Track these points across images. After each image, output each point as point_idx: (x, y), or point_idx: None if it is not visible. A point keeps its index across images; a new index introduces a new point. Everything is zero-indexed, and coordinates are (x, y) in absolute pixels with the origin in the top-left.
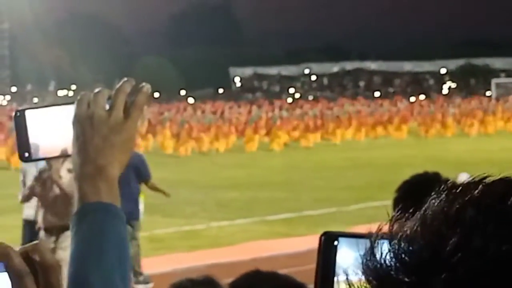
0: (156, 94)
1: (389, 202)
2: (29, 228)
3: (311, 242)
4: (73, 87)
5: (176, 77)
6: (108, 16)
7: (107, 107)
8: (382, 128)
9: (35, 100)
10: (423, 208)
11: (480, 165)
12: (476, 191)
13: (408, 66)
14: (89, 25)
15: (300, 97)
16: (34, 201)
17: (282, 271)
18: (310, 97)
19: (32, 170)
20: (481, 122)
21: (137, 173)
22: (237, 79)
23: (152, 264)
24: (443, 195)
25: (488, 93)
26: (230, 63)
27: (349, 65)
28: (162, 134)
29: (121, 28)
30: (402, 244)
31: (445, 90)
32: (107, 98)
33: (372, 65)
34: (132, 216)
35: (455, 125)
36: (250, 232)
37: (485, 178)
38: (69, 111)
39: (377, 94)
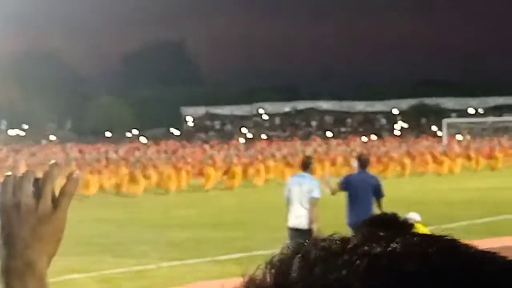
0: (108, 134)
1: None
2: None
3: None
4: (25, 126)
5: (129, 116)
6: (61, 55)
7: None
8: (336, 167)
9: None
10: (271, 257)
11: (430, 205)
12: (324, 240)
13: (360, 106)
14: (42, 64)
15: (253, 136)
16: None
17: None
18: (263, 136)
19: None
20: (433, 162)
21: (375, 191)
22: (189, 119)
23: None
24: (292, 244)
25: (439, 133)
26: (182, 103)
27: (301, 105)
28: (117, 174)
29: (75, 67)
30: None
31: (396, 131)
32: (32, 182)
33: (324, 105)
34: None
35: (408, 165)
36: (202, 272)
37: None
38: None
39: (329, 134)
